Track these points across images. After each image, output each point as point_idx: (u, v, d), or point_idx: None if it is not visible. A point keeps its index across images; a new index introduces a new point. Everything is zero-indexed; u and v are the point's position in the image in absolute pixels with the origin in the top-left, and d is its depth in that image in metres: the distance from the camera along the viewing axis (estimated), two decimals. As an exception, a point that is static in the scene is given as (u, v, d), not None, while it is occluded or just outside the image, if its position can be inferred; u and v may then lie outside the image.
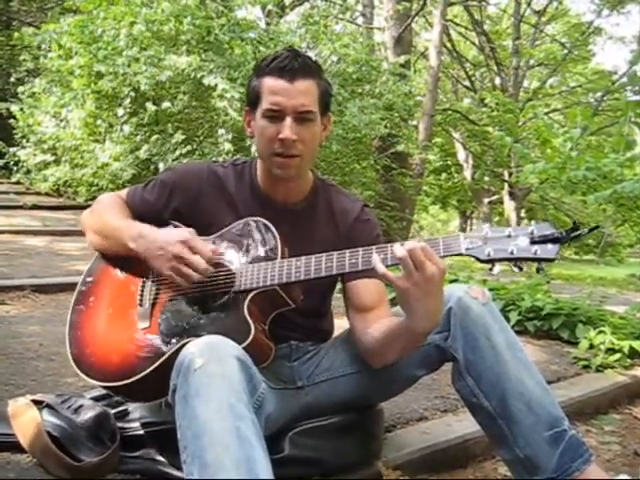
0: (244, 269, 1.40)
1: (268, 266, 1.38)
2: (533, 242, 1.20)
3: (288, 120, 1.42)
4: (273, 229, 1.44)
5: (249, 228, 1.48)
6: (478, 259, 1.22)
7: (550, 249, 1.19)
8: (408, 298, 1.25)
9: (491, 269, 1.24)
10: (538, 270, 1.24)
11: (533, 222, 1.23)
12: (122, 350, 1.43)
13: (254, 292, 1.37)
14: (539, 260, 1.20)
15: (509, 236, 1.22)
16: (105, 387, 1.45)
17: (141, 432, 1.50)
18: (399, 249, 1.24)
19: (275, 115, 1.43)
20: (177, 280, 1.37)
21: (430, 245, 1.25)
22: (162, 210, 1.56)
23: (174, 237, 1.38)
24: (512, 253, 1.20)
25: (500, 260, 1.22)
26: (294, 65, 1.43)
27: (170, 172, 1.63)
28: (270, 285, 1.36)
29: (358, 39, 9.00)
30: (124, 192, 1.64)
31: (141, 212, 1.57)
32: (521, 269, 1.25)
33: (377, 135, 8.03)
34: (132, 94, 6.34)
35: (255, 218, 1.48)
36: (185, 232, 1.41)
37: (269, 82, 1.44)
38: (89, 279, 1.59)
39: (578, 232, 1.19)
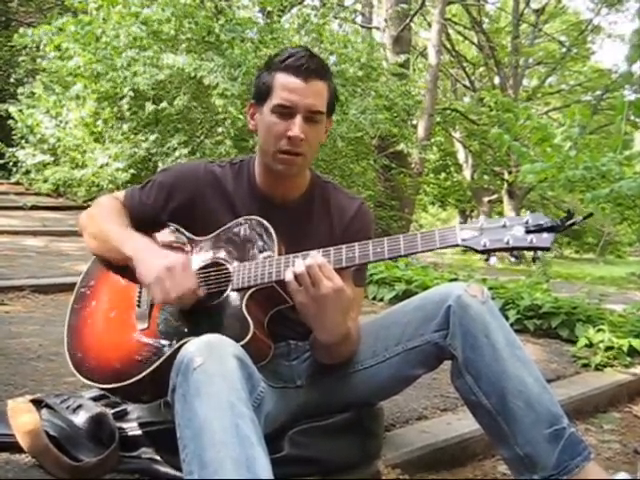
0: (241, 267, 1.40)
1: (265, 263, 1.38)
2: (528, 231, 1.20)
3: (298, 118, 1.43)
4: (270, 227, 1.44)
5: (246, 226, 1.47)
6: (474, 250, 1.23)
7: (545, 238, 1.19)
8: (305, 312, 1.32)
9: (487, 259, 1.25)
10: (534, 259, 1.24)
11: (528, 212, 1.23)
12: (121, 352, 1.42)
13: (252, 290, 1.37)
14: (535, 249, 1.21)
15: (504, 226, 1.23)
16: (103, 389, 1.44)
17: (140, 432, 1.49)
18: (299, 265, 1.28)
19: (285, 112, 1.44)
20: (157, 292, 1.33)
21: (426, 237, 1.26)
22: (160, 211, 1.56)
23: (170, 260, 1.35)
24: (508, 243, 1.21)
25: (496, 250, 1.23)
26: (310, 65, 1.44)
27: (167, 173, 1.62)
28: (267, 282, 1.36)
29: (358, 41, 9.00)
30: (121, 194, 1.63)
31: (139, 214, 1.56)
32: (517, 258, 1.25)
33: (376, 135, 8.02)
34: (132, 94, 6.33)
35: (252, 216, 1.48)
36: (181, 259, 1.37)
37: (283, 78, 1.44)
38: (87, 281, 1.58)
39: (572, 220, 1.20)
